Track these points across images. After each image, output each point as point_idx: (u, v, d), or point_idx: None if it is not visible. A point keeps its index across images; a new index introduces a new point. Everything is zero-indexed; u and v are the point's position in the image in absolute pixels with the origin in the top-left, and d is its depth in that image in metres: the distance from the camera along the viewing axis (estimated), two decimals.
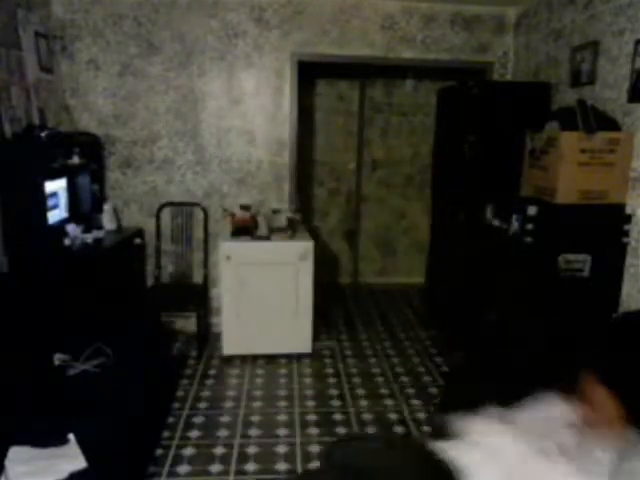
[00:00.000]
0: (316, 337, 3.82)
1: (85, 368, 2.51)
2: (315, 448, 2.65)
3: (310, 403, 3.11)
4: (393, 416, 2.98)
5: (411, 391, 3.27)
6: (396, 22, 3.93)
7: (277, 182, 4.06)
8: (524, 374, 2.15)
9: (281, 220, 3.67)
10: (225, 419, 2.90)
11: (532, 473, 1.36)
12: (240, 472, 2.46)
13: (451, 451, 1.39)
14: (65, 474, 1.76)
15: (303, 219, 4.03)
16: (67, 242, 3.02)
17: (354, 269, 5.57)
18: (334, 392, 3.25)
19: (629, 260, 2.67)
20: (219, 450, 2.62)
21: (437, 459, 1.36)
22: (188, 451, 2.60)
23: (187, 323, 4.02)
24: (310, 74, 4.65)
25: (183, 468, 2.47)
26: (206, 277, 3.96)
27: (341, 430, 2.83)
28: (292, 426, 2.85)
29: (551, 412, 1.58)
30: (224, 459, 2.55)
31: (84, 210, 3.43)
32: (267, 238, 3.54)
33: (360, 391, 3.25)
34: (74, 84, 3.74)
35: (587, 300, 2.69)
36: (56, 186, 3.02)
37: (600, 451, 1.37)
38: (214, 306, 4.03)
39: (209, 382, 3.33)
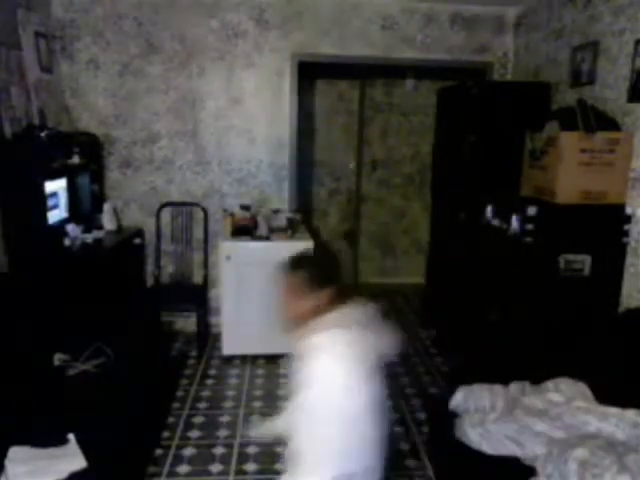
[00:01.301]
0: None
1: (85, 368, 2.52)
2: None
3: None
4: (393, 416, 2.98)
5: (411, 391, 3.27)
6: (396, 22, 3.93)
7: (277, 182, 4.06)
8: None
9: (281, 220, 3.67)
10: (225, 419, 2.90)
11: None
12: (240, 472, 2.46)
13: None
14: (65, 474, 1.76)
15: (303, 219, 4.03)
16: (67, 242, 3.01)
17: (354, 269, 5.57)
18: None
19: (629, 260, 2.67)
20: (219, 450, 2.62)
21: None
22: (188, 451, 2.60)
23: (187, 323, 4.02)
24: (310, 74, 4.64)
25: (183, 468, 2.47)
26: (206, 277, 3.96)
27: None
28: None
29: None
30: (224, 459, 2.55)
31: (84, 210, 3.43)
32: (267, 238, 3.53)
33: None
34: (74, 84, 3.74)
35: (587, 300, 2.69)
36: (56, 186, 3.01)
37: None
38: (214, 306, 4.03)
39: (209, 382, 3.33)
